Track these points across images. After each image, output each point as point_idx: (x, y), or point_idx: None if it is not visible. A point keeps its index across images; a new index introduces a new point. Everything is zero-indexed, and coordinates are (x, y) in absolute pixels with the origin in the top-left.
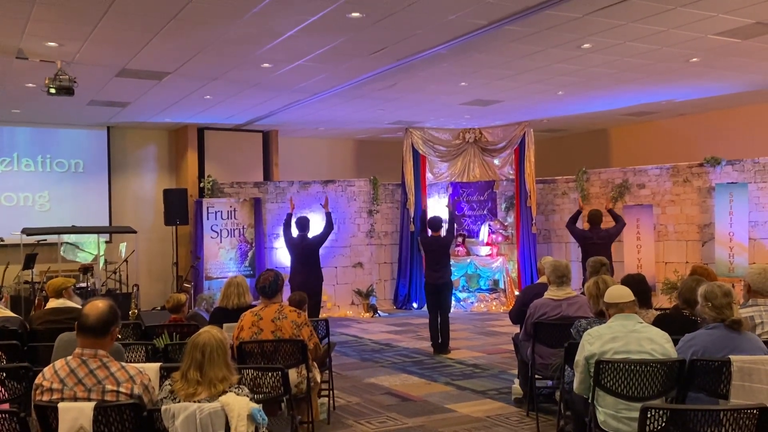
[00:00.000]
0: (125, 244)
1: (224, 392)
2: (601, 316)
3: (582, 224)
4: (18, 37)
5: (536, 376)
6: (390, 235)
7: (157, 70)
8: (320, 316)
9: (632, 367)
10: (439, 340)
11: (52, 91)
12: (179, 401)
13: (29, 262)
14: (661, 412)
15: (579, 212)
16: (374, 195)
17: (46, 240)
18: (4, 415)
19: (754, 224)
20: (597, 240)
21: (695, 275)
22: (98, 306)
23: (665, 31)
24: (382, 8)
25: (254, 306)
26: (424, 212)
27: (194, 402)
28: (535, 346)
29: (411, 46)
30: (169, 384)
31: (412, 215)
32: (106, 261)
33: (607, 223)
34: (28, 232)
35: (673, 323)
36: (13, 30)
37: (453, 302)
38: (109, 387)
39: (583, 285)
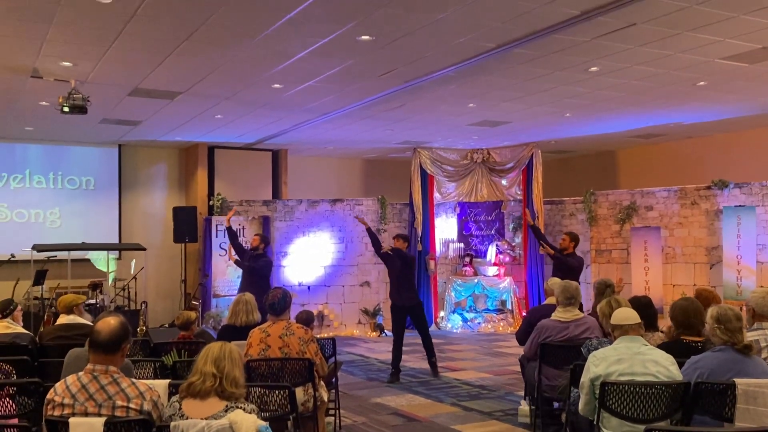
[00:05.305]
0: (135, 261)
1: (234, 407)
2: None
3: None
4: (34, 57)
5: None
6: None
7: (169, 89)
8: (327, 335)
9: (637, 389)
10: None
11: (66, 109)
12: (186, 417)
13: (39, 278)
14: None
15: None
16: (382, 214)
17: (56, 256)
18: (15, 430)
19: (762, 247)
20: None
21: (698, 298)
22: (110, 323)
23: (672, 55)
24: (392, 31)
25: (262, 324)
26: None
27: (202, 419)
28: (541, 367)
29: (420, 69)
30: (177, 401)
31: (420, 235)
32: (115, 278)
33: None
34: (38, 248)
35: (674, 353)
36: (29, 50)
37: (460, 322)
38: (119, 403)
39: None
